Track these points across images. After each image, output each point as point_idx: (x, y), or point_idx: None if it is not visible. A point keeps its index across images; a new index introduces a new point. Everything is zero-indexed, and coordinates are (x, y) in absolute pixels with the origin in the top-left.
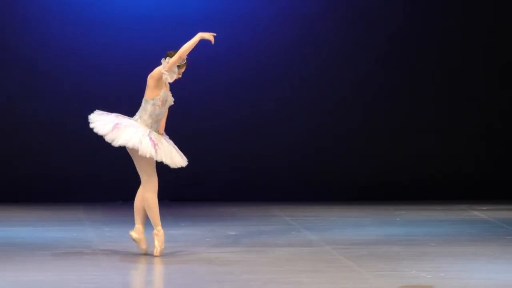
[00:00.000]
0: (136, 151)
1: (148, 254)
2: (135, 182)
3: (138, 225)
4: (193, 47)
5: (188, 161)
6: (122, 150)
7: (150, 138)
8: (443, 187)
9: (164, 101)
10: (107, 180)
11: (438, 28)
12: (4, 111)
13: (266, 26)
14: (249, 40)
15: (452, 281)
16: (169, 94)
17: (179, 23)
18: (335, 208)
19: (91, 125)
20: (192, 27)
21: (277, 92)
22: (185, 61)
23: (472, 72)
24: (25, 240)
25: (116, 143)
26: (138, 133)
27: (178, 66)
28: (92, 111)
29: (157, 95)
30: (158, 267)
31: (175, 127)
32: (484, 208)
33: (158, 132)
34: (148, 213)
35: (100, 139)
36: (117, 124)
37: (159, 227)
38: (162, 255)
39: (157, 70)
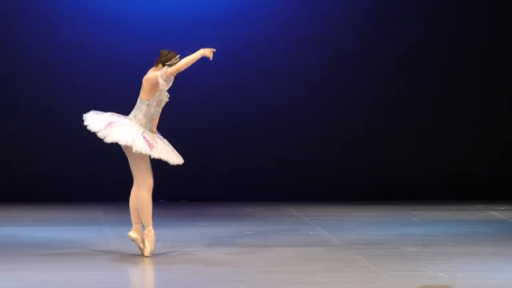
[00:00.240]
0: (131, 149)
1: (154, 254)
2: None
3: (136, 225)
4: (193, 62)
5: (185, 160)
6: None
7: (144, 137)
8: (461, 187)
9: (159, 102)
10: (125, 179)
11: (458, 29)
12: (12, 109)
13: (264, 27)
14: (254, 40)
15: (470, 281)
16: (165, 94)
17: (193, 22)
18: (352, 208)
19: (85, 123)
20: (206, 27)
21: (290, 92)
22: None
23: (490, 75)
24: (43, 240)
25: (108, 139)
26: (131, 132)
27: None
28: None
29: (152, 96)
30: (174, 267)
31: (189, 126)
32: (502, 208)
33: (151, 130)
34: (140, 212)
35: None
36: (110, 122)
37: (150, 227)
38: (177, 254)
39: (153, 75)
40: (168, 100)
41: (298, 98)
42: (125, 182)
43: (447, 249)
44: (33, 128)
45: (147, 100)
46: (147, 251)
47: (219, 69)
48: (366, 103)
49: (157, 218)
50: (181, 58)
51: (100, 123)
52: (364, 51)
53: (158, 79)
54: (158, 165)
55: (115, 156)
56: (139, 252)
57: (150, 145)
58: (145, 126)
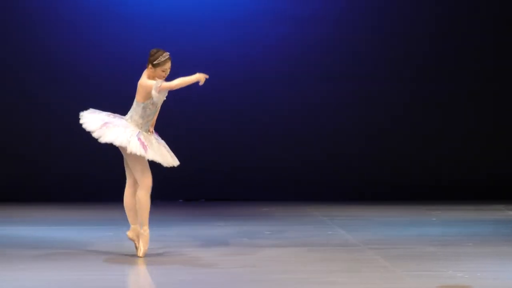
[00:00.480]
0: (133, 153)
1: (173, 254)
2: (170, 181)
3: (134, 226)
4: (187, 84)
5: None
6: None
7: (139, 139)
8: (479, 187)
9: (155, 104)
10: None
11: (475, 30)
12: (40, 110)
13: (262, 25)
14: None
15: (488, 282)
16: (162, 80)
17: (206, 22)
18: (371, 208)
19: (81, 121)
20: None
21: (304, 91)
22: (168, 57)
23: (508, 76)
24: (62, 239)
25: (103, 139)
26: (126, 133)
27: (160, 65)
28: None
29: (148, 99)
30: (192, 267)
31: (207, 127)
32: None
33: (149, 130)
34: (138, 211)
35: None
36: (106, 122)
37: (146, 227)
38: (195, 254)
39: (147, 83)
40: (165, 99)
41: (313, 97)
42: (162, 181)
43: (466, 249)
44: (70, 128)
45: (143, 103)
46: (140, 252)
47: (238, 69)
48: (383, 103)
49: (175, 218)
50: (180, 57)
51: (96, 122)
52: (381, 51)
53: (152, 90)
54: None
55: None
56: (157, 251)
57: (145, 147)
58: (141, 127)
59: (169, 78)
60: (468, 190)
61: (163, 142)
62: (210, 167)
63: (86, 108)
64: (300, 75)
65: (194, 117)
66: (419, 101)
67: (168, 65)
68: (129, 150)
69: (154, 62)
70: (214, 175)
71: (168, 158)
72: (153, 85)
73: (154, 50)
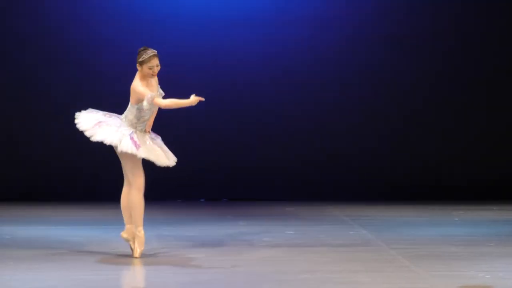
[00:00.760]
0: (124, 152)
1: (198, 253)
2: (194, 180)
3: (128, 226)
4: (179, 107)
5: (176, 162)
6: (187, 149)
7: (131, 138)
8: (502, 187)
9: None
10: (164, 179)
11: (492, 28)
12: (63, 110)
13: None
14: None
15: (511, 282)
16: (157, 93)
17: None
18: (393, 207)
19: (76, 121)
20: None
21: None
22: (153, 54)
23: None
24: (84, 239)
25: (94, 138)
26: (118, 132)
27: (145, 62)
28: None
29: (140, 102)
30: (215, 266)
31: (231, 126)
32: None
33: (145, 130)
34: (132, 212)
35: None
36: (100, 122)
37: (140, 228)
38: (217, 254)
39: (139, 89)
40: (161, 97)
41: (326, 98)
42: (167, 182)
43: (488, 249)
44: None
45: (137, 105)
46: (136, 252)
47: (263, 66)
48: (403, 103)
49: (198, 218)
50: (186, 57)
51: (89, 122)
52: (403, 51)
53: (144, 101)
54: (197, 166)
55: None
56: (176, 251)
57: (137, 145)
58: (136, 127)
59: (173, 79)
60: (492, 190)
61: (160, 142)
62: (234, 167)
63: (98, 107)
64: (311, 76)
65: (216, 118)
66: (440, 100)
67: (154, 62)
68: (119, 149)
69: (139, 60)
70: (238, 175)
71: (162, 158)
72: (146, 97)
73: (141, 48)
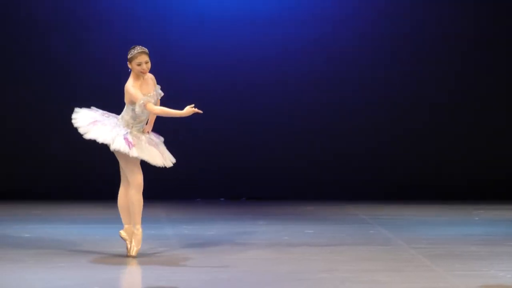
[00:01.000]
0: (117, 150)
1: (215, 252)
2: (211, 180)
3: (127, 226)
4: (171, 116)
5: (174, 163)
6: (203, 149)
7: (125, 138)
8: None
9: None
10: (185, 178)
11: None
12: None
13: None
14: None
15: None
16: (154, 93)
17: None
18: (413, 206)
19: (73, 116)
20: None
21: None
22: (142, 50)
23: None
24: (105, 237)
25: (87, 136)
26: (112, 132)
27: (133, 58)
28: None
29: (134, 103)
30: (235, 265)
31: (252, 126)
32: None
33: (143, 131)
34: (130, 210)
35: (183, 136)
36: (96, 121)
37: (139, 226)
38: (236, 253)
39: (132, 92)
40: (159, 97)
41: (344, 98)
42: (205, 180)
43: (508, 249)
44: None
45: (131, 105)
46: (133, 251)
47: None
48: (419, 101)
49: (217, 217)
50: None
51: (85, 119)
52: (423, 50)
53: (136, 105)
54: (215, 165)
55: (194, 155)
56: (196, 249)
57: (130, 145)
58: (132, 127)
59: (179, 77)
60: (509, 189)
61: (158, 142)
62: (252, 166)
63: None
64: (325, 75)
65: (234, 117)
66: (464, 101)
67: (142, 59)
68: (112, 147)
69: (128, 57)
70: (256, 174)
71: (157, 158)
72: (138, 101)
73: (131, 47)
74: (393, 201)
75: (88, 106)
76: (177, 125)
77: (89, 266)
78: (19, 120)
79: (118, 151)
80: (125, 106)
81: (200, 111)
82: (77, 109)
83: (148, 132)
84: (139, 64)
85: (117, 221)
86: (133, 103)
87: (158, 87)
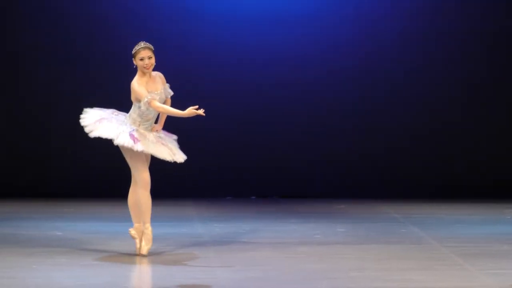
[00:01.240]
0: (125, 148)
1: (245, 250)
2: (242, 178)
3: (137, 224)
4: (172, 115)
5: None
6: (236, 146)
7: (131, 134)
8: None
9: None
10: (215, 176)
11: None
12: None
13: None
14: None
15: None
16: (161, 91)
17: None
18: (444, 205)
19: (81, 115)
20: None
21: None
22: (145, 46)
23: None
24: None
25: (93, 134)
26: (118, 129)
27: (136, 54)
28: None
29: (140, 101)
30: (267, 263)
31: (283, 125)
32: None
33: (152, 129)
34: (139, 209)
35: (212, 134)
36: (102, 118)
37: (148, 225)
38: (268, 251)
39: (136, 89)
40: (168, 96)
41: (376, 97)
42: (236, 178)
43: None
44: None
45: (137, 103)
46: (143, 250)
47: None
48: (454, 98)
49: (248, 215)
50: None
51: (92, 118)
52: (452, 50)
53: (141, 102)
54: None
55: (225, 152)
56: (227, 247)
57: (135, 140)
58: (139, 125)
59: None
60: None
61: (168, 139)
62: (285, 164)
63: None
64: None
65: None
66: (491, 97)
67: (144, 54)
68: (115, 142)
69: (132, 53)
70: (288, 172)
71: (164, 153)
72: (143, 98)
73: (137, 46)
74: (425, 200)
75: (111, 105)
76: (210, 123)
77: (119, 264)
78: (49, 121)
79: (122, 146)
80: (132, 104)
81: (202, 113)
82: (86, 109)
83: (157, 130)
84: (141, 59)
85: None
86: (138, 100)
87: (168, 86)
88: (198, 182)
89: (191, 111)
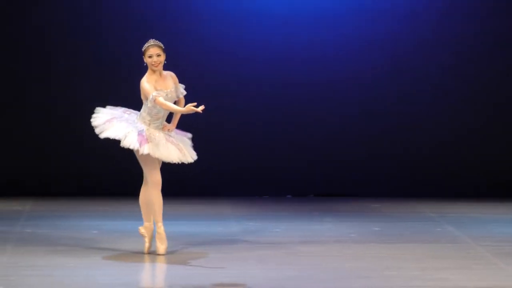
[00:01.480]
0: (126, 148)
1: (296, 249)
2: (278, 177)
3: (147, 223)
4: (171, 111)
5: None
6: (273, 146)
7: (139, 134)
8: None
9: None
10: (251, 175)
11: None
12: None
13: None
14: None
15: None
16: (171, 90)
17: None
18: (480, 204)
19: (93, 115)
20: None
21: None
22: (154, 43)
23: None
24: (174, 234)
25: (102, 135)
26: (127, 128)
27: (145, 51)
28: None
29: (148, 99)
30: (301, 262)
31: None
32: None
33: (163, 128)
34: (151, 208)
35: (249, 133)
36: (113, 118)
37: (160, 224)
38: (303, 250)
39: (144, 86)
40: (181, 96)
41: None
42: (273, 177)
43: None
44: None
45: (146, 101)
46: (160, 250)
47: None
48: (492, 95)
49: (284, 214)
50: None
51: (102, 118)
52: (489, 50)
53: (148, 99)
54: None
55: (262, 151)
56: (263, 246)
57: (143, 141)
58: (150, 124)
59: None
60: None
61: (181, 138)
62: (320, 162)
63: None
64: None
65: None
66: None
67: (153, 51)
68: (121, 144)
69: (142, 50)
70: (323, 170)
71: (172, 155)
72: (150, 95)
73: (148, 44)
74: (460, 199)
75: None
76: (247, 122)
77: (159, 263)
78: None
79: (128, 149)
80: (143, 103)
81: (200, 111)
82: (98, 109)
83: (169, 130)
84: (150, 57)
85: (183, 218)
86: (146, 98)
87: (182, 86)
88: (234, 181)
89: (189, 108)
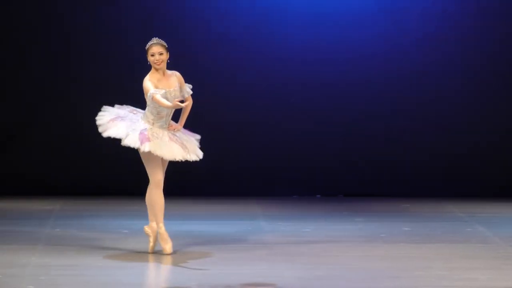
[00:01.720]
0: (127, 146)
1: (315, 248)
2: (308, 177)
3: (152, 223)
4: (165, 107)
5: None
6: (303, 146)
7: (141, 133)
8: None
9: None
10: (281, 174)
11: None
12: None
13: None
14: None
15: None
16: (174, 89)
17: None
18: (511, 205)
19: (99, 113)
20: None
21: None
22: (156, 42)
23: None
24: (202, 233)
25: (105, 134)
26: (128, 128)
27: (148, 50)
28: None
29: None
30: (330, 262)
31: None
32: None
33: (168, 128)
34: (152, 208)
35: (282, 133)
36: (117, 117)
37: (161, 225)
38: (333, 250)
39: (145, 84)
40: (187, 95)
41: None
42: (301, 176)
43: None
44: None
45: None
46: (166, 249)
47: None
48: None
49: (314, 214)
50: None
51: (107, 117)
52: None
53: (149, 93)
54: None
55: (289, 151)
56: (292, 245)
57: (144, 140)
58: (153, 123)
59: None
60: None
61: (187, 138)
62: (350, 162)
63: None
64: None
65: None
66: None
67: (155, 50)
68: (122, 143)
69: (145, 49)
70: (352, 170)
71: (175, 153)
72: (150, 92)
73: (151, 43)
74: (490, 199)
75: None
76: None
77: (189, 263)
78: None
79: (129, 147)
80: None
81: (182, 105)
82: (104, 107)
83: (174, 129)
84: (152, 55)
85: (213, 218)
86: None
87: (188, 86)
88: (265, 181)
89: (175, 103)
